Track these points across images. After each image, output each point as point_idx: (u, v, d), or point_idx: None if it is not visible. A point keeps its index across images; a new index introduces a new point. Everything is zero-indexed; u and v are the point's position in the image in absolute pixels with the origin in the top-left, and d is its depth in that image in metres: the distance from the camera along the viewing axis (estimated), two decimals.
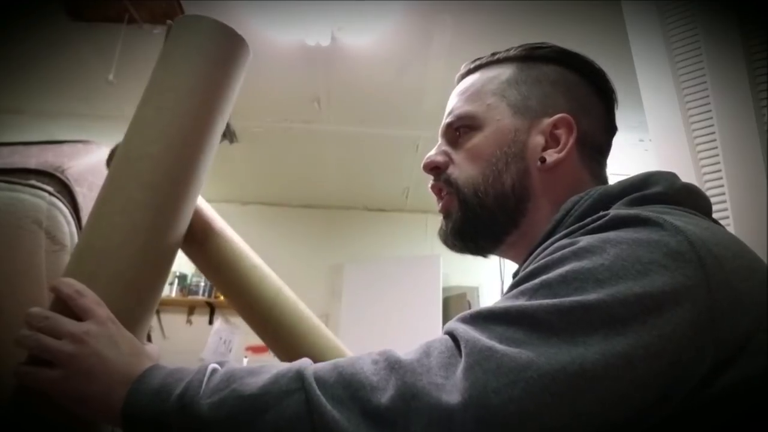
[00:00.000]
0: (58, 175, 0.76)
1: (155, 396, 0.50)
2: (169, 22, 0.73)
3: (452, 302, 4.33)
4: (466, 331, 0.46)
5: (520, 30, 2.47)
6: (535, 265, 0.50)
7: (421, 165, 0.72)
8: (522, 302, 0.46)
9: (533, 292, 0.47)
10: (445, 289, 4.20)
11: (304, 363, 0.49)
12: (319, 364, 0.49)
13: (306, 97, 3.19)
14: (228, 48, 0.72)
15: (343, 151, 3.83)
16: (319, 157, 3.97)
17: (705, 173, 1.37)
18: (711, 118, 1.38)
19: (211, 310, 4.50)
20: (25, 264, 0.71)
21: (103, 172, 0.85)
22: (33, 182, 0.73)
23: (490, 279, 4.23)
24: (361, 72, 2.91)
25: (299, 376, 0.47)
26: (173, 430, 0.48)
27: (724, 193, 1.32)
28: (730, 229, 1.26)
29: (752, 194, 1.28)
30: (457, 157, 0.70)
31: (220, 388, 0.49)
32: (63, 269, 0.64)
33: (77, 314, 0.57)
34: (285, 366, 0.49)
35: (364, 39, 2.66)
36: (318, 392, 0.45)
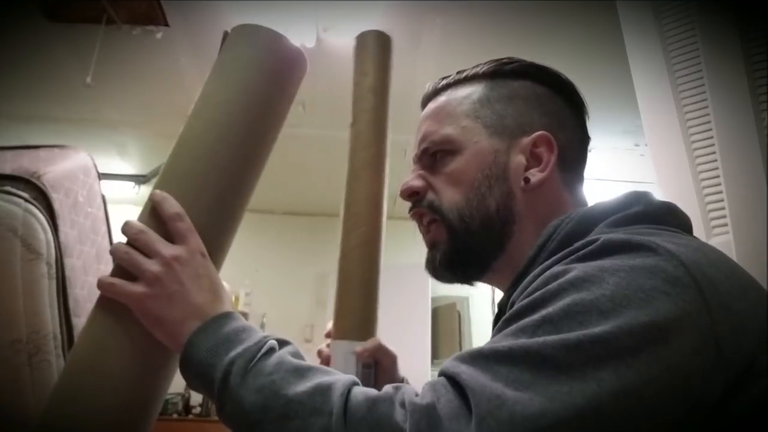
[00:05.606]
0: (34, 181, 0.74)
1: (213, 348, 0.54)
2: (225, 30, 0.71)
3: (441, 312, 4.30)
4: (470, 375, 0.44)
5: (511, 32, 2.46)
6: (532, 297, 0.49)
7: (399, 192, 0.71)
8: (525, 339, 0.45)
9: (535, 329, 0.46)
10: (434, 299, 4.18)
11: (345, 384, 0.49)
12: (359, 391, 0.48)
13: None
14: (285, 62, 0.70)
15: (329, 156, 3.80)
16: (304, 163, 3.93)
17: (703, 179, 1.35)
18: (709, 122, 1.36)
19: None
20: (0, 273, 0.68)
21: (81, 178, 0.81)
22: (8, 188, 0.71)
23: (480, 289, 4.21)
24: (348, 74, 2.87)
25: (331, 401, 0.47)
26: (214, 385, 0.52)
27: (722, 200, 1.30)
28: (729, 237, 1.24)
29: (752, 200, 1.26)
30: (437, 182, 0.68)
31: (265, 373, 0.51)
32: (39, 278, 0.64)
33: (171, 237, 0.60)
34: (329, 379, 0.50)
35: (351, 40, 2.62)
36: (342, 424, 0.46)
